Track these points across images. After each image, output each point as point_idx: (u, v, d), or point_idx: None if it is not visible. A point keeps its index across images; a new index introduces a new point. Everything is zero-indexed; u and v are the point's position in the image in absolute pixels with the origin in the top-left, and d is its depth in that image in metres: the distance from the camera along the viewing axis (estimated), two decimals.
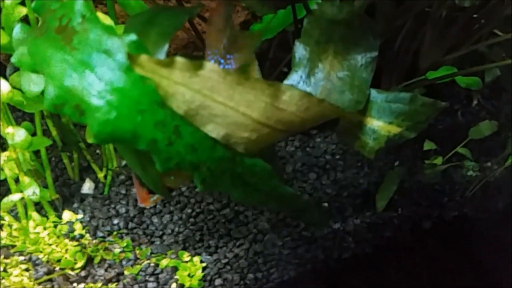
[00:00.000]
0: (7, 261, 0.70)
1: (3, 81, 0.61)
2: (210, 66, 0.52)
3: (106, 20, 0.64)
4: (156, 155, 0.55)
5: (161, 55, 0.54)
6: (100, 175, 0.81)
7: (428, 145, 0.80)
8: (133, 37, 0.50)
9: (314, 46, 0.61)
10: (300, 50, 0.61)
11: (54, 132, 0.77)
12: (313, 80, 0.62)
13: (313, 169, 0.83)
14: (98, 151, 0.84)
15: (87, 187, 0.80)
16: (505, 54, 0.81)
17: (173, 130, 0.54)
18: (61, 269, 0.70)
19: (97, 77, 0.50)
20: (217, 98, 0.54)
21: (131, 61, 0.49)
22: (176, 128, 0.54)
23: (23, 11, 0.61)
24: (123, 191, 0.80)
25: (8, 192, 0.79)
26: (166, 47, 0.54)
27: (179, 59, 0.51)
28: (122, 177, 0.81)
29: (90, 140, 0.75)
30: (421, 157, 0.83)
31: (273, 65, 0.87)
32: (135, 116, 0.52)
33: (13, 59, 0.52)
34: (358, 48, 0.62)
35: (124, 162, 0.82)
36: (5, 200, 0.70)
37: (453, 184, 0.83)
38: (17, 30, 0.56)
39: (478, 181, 0.82)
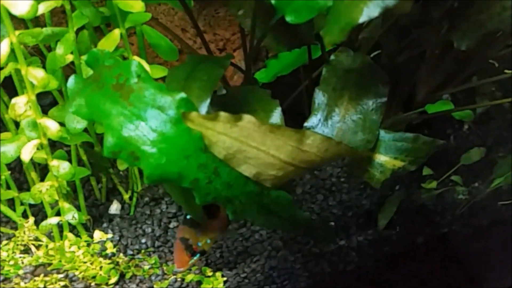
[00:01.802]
0: (47, 278, 0.79)
1: (51, 121, 0.70)
2: (247, 117, 0.62)
3: (141, 61, 0.73)
4: (196, 191, 0.66)
5: (204, 108, 0.64)
6: (126, 196, 0.91)
7: (426, 171, 0.93)
8: (182, 95, 0.60)
9: (332, 92, 0.72)
10: (319, 97, 0.72)
11: (84, 157, 0.86)
12: (330, 123, 0.73)
13: (321, 191, 0.94)
14: (121, 172, 0.93)
15: (115, 208, 0.89)
16: (495, 88, 0.93)
17: (213, 171, 0.65)
18: (97, 284, 0.80)
19: (150, 128, 0.60)
20: (251, 143, 0.64)
21: (184, 117, 0.59)
22: (215, 169, 0.64)
23: (69, 58, 0.69)
24: (148, 212, 0.90)
25: (39, 213, 0.90)
26: (208, 101, 0.64)
27: (222, 114, 0.61)
28: (146, 198, 0.91)
29: (121, 167, 0.84)
30: (417, 179, 0.95)
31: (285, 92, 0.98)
32: (182, 161, 0.62)
33: (71, 109, 0.61)
34: (369, 94, 0.73)
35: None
36: (43, 223, 0.80)
37: (445, 204, 0.96)
38: (72, 81, 0.64)
39: (466, 202, 0.94)
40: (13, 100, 0.66)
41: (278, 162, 0.68)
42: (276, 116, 0.74)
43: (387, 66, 0.89)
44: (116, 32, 0.71)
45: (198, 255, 0.76)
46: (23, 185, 0.92)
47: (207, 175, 0.64)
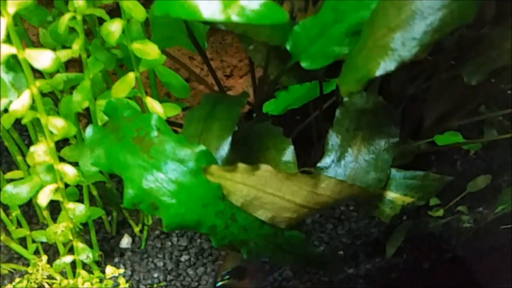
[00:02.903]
0: None
1: (69, 166, 0.71)
2: (265, 167, 0.65)
3: (156, 105, 0.75)
4: (213, 236, 0.69)
5: (226, 146, 0.66)
6: (136, 229, 0.93)
7: (433, 201, 0.96)
8: (202, 147, 0.62)
9: (345, 133, 0.75)
10: (333, 138, 0.75)
11: (94, 192, 0.88)
12: (343, 163, 0.75)
13: (330, 220, 0.97)
14: None
15: (126, 242, 0.91)
16: (503, 117, 0.96)
17: (230, 217, 0.67)
18: None
19: (170, 180, 0.63)
20: (268, 190, 0.67)
21: (204, 171, 0.62)
22: (232, 215, 0.67)
23: (85, 104, 0.71)
24: (159, 245, 0.92)
25: (50, 249, 0.91)
26: (229, 139, 0.67)
27: (241, 165, 0.64)
28: (156, 232, 0.93)
29: (124, 203, 0.86)
30: (424, 208, 0.98)
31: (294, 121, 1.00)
32: (200, 209, 0.65)
33: (91, 160, 0.63)
34: (381, 134, 0.75)
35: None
36: (57, 262, 0.81)
37: (450, 231, 0.99)
38: (90, 130, 0.66)
39: (470, 229, 0.98)
40: (32, 148, 0.68)
41: (293, 206, 0.70)
42: (289, 155, 0.77)
43: (396, 96, 0.92)
44: (131, 75, 0.72)
45: None
46: (32, 219, 0.94)
47: (224, 221, 0.67)
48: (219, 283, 0.78)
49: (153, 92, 0.83)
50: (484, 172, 1.04)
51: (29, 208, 0.95)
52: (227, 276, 0.77)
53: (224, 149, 0.70)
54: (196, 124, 0.70)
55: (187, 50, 1.07)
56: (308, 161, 0.93)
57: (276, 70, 0.91)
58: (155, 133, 0.62)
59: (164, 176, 0.62)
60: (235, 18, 0.52)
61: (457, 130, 0.98)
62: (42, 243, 0.89)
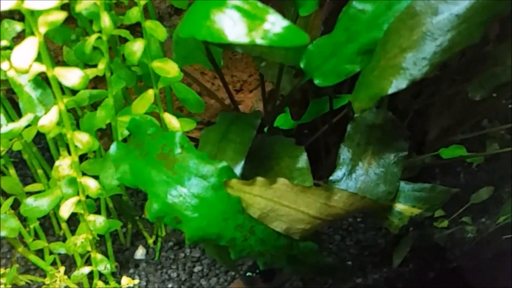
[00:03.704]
0: None
1: (92, 180, 0.74)
2: (281, 180, 0.68)
3: (173, 120, 0.78)
4: (232, 248, 0.71)
5: (238, 170, 0.69)
6: (150, 241, 0.95)
7: (438, 213, 0.99)
8: (223, 164, 0.65)
9: (356, 148, 0.78)
10: (344, 152, 0.78)
11: (110, 204, 0.90)
12: (354, 176, 0.78)
13: (338, 232, 1.00)
14: (143, 216, 0.98)
15: (140, 253, 0.94)
16: (504, 131, 1.00)
17: (249, 230, 0.70)
18: None
19: (193, 195, 0.65)
20: (284, 202, 0.70)
21: (225, 184, 0.64)
22: (251, 228, 0.70)
23: (108, 120, 0.74)
24: (172, 256, 0.94)
25: (66, 259, 0.93)
26: (242, 163, 0.70)
27: (259, 178, 0.67)
28: (170, 243, 0.95)
29: (149, 217, 0.89)
30: (430, 219, 1.02)
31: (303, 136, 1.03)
32: (221, 223, 0.68)
33: (117, 176, 0.66)
34: (391, 148, 0.79)
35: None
36: (75, 273, 0.84)
37: (455, 241, 1.02)
38: (114, 147, 0.69)
39: (474, 239, 1.01)
40: (57, 163, 0.70)
41: (307, 217, 0.73)
42: (302, 161, 0.80)
43: (401, 112, 0.96)
44: (150, 92, 0.76)
45: None
46: (49, 231, 0.97)
47: (243, 233, 0.69)
48: (248, 274, 0.80)
49: (169, 107, 0.86)
50: (486, 184, 1.08)
51: (45, 220, 0.98)
52: (258, 271, 0.79)
53: (237, 172, 0.72)
54: (211, 145, 0.73)
55: (198, 65, 1.12)
56: (316, 174, 0.96)
57: (287, 86, 0.94)
58: (178, 150, 0.65)
59: (187, 191, 0.65)
60: (259, 41, 0.55)
61: (460, 144, 1.02)
62: (58, 254, 0.92)
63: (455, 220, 1.04)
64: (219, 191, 0.66)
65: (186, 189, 0.65)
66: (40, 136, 0.89)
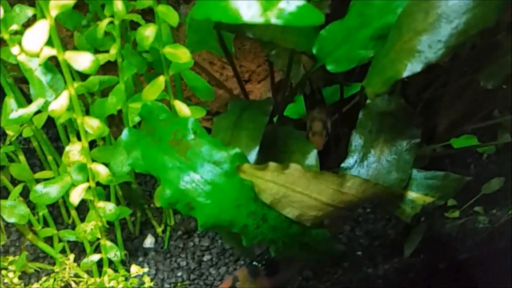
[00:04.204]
0: None
1: (102, 166, 0.74)
2: (294, 166, 0.68)
3: (184, 107, 0.78)
4: (244, 235, 0.71)
5: (253, 156, 0.69)
6: (159, 230, 0.95)
7: (450, 202, 0.98)
8: (237, 150, 0.65)
9: (368, 135, 0.77)
10: (356, 139, 0.77)
11: (120, 193, 0.90)
12: (365, 163, 0.78)
13: (348, 222, 0.99)
14: (152, 204, 0.97)
15: (149, 242, 0.94)
16: None
17: (261, 217, 0.70)
18: None
19: (206, 181, 0.65)
20: (296, 188, 0.69)
21: (238, 169, 0.64)
22: (263, 215, 0.70)
23: (119, 106, 0.73)
24: (181, 245, 0.94)
25: (75, 248, 0.93)
26: (257, 149, 0.69)
27: (271, 163, 0.67)
28: (179, 232, 0.95)
29: (158, 204, 0.89)
30: (441, 209, 1.01)
31: None
32: (234, 210, 0.68)
33: (129, 162, 0.66)
34: (403, 136, 0.78)
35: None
36: (85, 260, 0.83)
37: (466, 232, 1.01)
38: (126, 133, 0.69)
39: (485, 229, 1.01)
40: (67, 148, 0.70)
41: (319, 204, 0.73)
42: (312, 158, 0.79)
43: (412, 101, 0.95)
44: (161, 79, 0.75)
45: None
46: (57, 219, 0.97)
47: (255, 221, 0.69)
48: (254, 262, 0.79)
49: (179, 95, 0.85)
50: (497, 175, 1.07)
51: (53, 208, 0.98)
52: (264, 262, 0.79)
53: (251, 158, 0.72)
54: (224, 132, 0.73)
55: (207, 55, 1.11)
56: (326, 162, 0.96)
57: (296, 76, 0.94)
58: (191, 136, 0.65)
59: (200, 177, 0.65)
60: (274, 20, 0.54)
61: (471, 134, 1.01)
62: (67, 242, 0.92)
63: (466, 210, 1.03)
64: (232, 177, 0.65)
65: (199, 175, 0.64)
66: (48, 126, 0.90)
